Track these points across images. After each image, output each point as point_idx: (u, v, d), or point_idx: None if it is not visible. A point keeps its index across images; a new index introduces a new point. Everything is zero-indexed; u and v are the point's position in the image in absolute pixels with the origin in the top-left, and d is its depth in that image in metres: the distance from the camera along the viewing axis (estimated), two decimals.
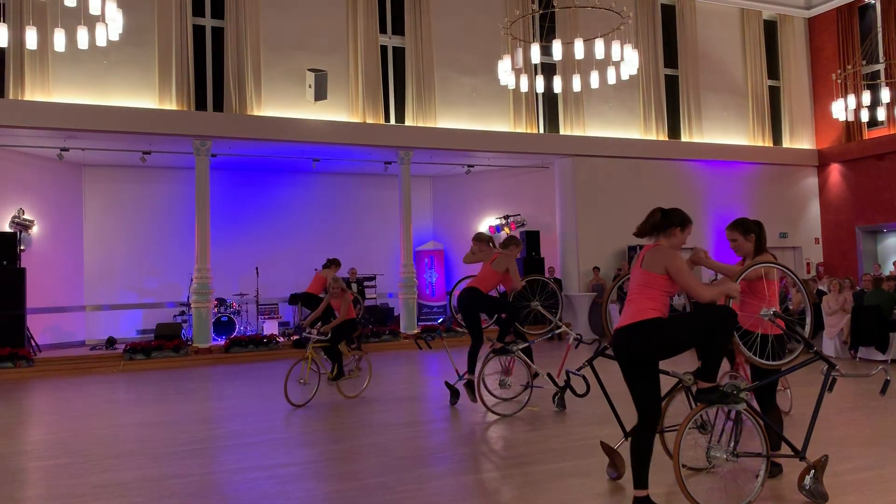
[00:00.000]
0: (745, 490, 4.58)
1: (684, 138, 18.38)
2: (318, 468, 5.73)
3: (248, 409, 8.59)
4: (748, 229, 5.15)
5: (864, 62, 17.83)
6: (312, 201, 17.50)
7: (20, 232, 13.55)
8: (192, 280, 14.24)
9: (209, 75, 14.87)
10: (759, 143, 19.25)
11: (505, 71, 12.56)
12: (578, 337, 8.02)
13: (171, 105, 14.07)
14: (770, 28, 20.03)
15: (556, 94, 16.57)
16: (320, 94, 14.58)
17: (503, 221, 17.70)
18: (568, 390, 7.74)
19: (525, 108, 16.85)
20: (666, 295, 4.38)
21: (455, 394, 8.36)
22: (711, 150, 18.32)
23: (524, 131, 16.81)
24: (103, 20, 10.03)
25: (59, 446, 6.80)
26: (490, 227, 17.89)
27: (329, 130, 14.89)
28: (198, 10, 14.77)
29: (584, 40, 11.91)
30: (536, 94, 16.67)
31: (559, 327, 8.21)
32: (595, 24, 13.34)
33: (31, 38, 10.43)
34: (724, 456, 4.41)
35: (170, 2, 14.14)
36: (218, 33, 14.90)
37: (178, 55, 14.16)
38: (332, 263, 11.54)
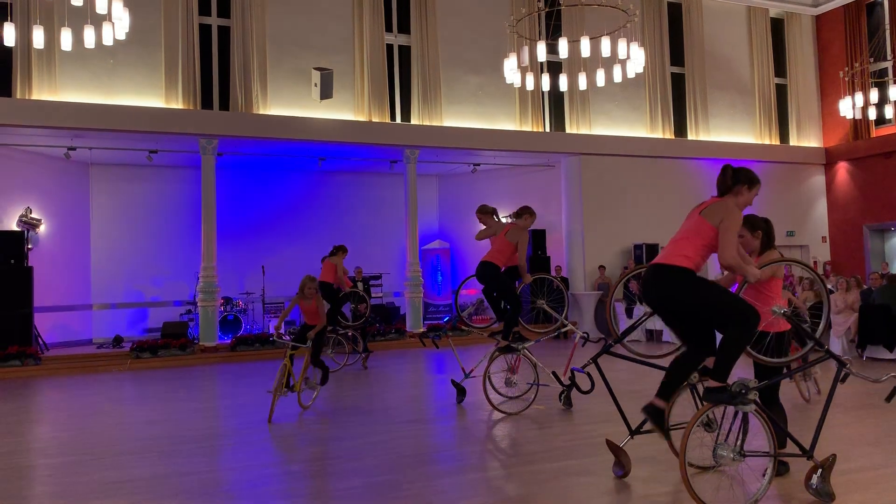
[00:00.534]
0: (752, 489, 4.56)
1: (691, 136, 18.33)
2: (323, 466, 5.73)
3: (254, 407, 8.60)
4: (755, 226, 5.14)
5: (871, 60, 17.75)
6: (318, 200, 17.52)
7: (27, 230, 13.61)
8: (198, 279, 14.28)
9: (215, 74, 14.89)
10: (766, 142, 19.19)
11: (511, 69, 12.55)
12: (585, 336, 8.02)
13: (177, 104, 14.10)
14: (777, 26, 19.95)
15: (563, 93, 16.54)
16: (326, 93, 14.59)
17: (509, 220, 17.65)
18: (573, 388, 7.73)
19: (531, 106, 16.83)
20: (707, 250, 4.37)
21: (461, 392, 8.35)
22: (718, 149, 18.26)
23: (530, 130, 16.80)
24: (110, 19, 10.08)
25: (67, 444, 6.83)
26: None
27: (335, 129, 14.90)
28: (204, 10, 14.79)
29: (591, 38, 11.89)
30: (542, 92, 16.62)
31: (565, 325, 8.20)
32: (601, 23, 13.31)
33: (38, 38, 10.49)
34: (731, 455, 4.39)
35: (176, 1, 14.18)
36: (224, 32, 14.93)
37: (185, 54, 14.19)
38: (339, 250, 11.45)
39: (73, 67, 13.46)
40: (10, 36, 10.30)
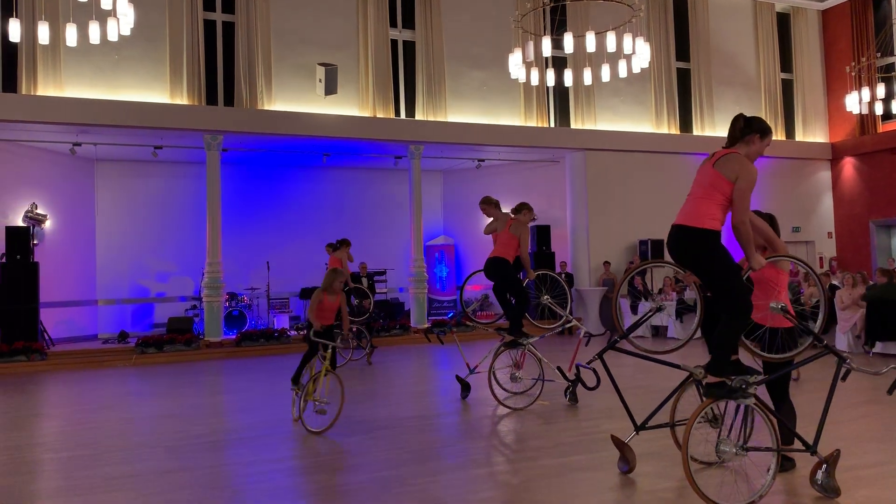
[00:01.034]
0: (756, 484, 4.56)
1: (696, 132, 18.28)
2: (329, 461, 5.74)
3: (260, 403, 8.63)
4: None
5: (878, 55, 17.65)
6: (323, 196, 17.53)
7: (33, 226, 13.64)
8: (203, 274, 14.30)
9: (220, 70, 14.89)
10: (773, 137, 19.09)
11: (516, 64, 12.53)
12: (589, 333, 8.02)
13: (182, 100, 14.12)
14: (783, 20, 19.86)
15: (567, 88, 16.49)
16: (330, 89, 14.58)
17: (510, 216, 17.63)
18: (579, 384, 7.73)
19: (536, 101, 16.79)
20: (727, 204, 4.33)
21: (466, 387, 8.36)
22: (723, 144, 18.18)
23: (535, 125, 16.77)
24: (115, 15, 10.07)
25: (73, 439, 6.86)
26: None
27: (339, 125, 14.90)
28: (208, 5, 14.79)
29: (596, 33, 11.86)
30: (547, 87, 16.60)
31: (570, 321, 8.19)
32: (606, 17, 13.30)
33: (43, 33, 10.49)
34: (734, 450, 4.38)
35: None
36: (228, 28, 14.93)
37: (189, 50, 14.20)
38: (343, 244, 11.50)
39: (77, 63, 13.48)
40: (15, 32, 10.32)
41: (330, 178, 17.58)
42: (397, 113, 16.02)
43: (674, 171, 17.54)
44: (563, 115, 17.47)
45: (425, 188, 16.85)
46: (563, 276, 13.68)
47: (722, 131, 18.48)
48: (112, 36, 10.31)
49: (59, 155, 14.71)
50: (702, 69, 18.43)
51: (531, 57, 12.49)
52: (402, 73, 16.31)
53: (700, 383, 5.05)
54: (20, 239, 12.92)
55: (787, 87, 19.67)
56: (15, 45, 12.70)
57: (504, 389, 8.08)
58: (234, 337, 14.14)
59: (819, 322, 4.89)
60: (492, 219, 8.47)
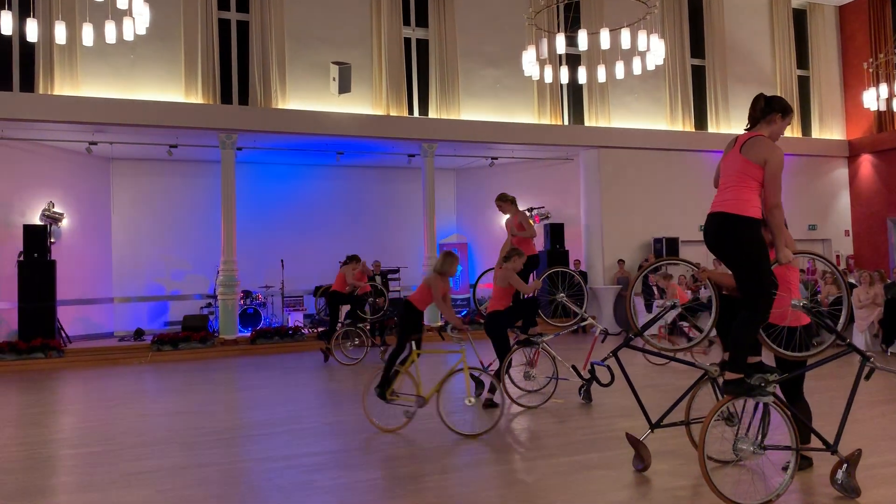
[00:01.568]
0: (774, 483, 4.52)
1: (711, 129, 18.16)
2: (343, 458, 5.75)
3: (275, 400, 8.66)
4: None
5: None
6: (336, 194, 17.56)
7: (50, 225, 13.76)
8: (218, 272, 14.38)
9: (234, 69, 14.96)
10: (788, 134, 18.92)
11: (529, 62, 12.49)
12: (605, 331, 7.98)
13: (196, 99, 14.19)
14: (799, 17, 19.69)
15: (581, 85, 16.44)
16: (344, 87, 14.60)
17: (527, 214, 17.60)
18: (593, 382, 7.70)
19: (550, 99, 16.74)
20: (761, 190, 4.28)
21: (479, 384, 8.34)
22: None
23: (549, 123, 16.71)
24: (130, 14, 10.15)
25: (90, 435, 6.91)
26: None
27: (353, 123, 14.92)
28: (223, 4, 14.86)
29: (610, 30, 11.80)
30: (561, 85, 16.54)
31: (585, 319, 8.17)
32: (620, 14, 13.21)
33: (60, 33, 10.58)
34: (751, 448, 4.35)
35: None
36: (243, 27, 14.99)
37: (204, 49, 14.27)
38: (352, 260, 11.84)
39: (94, 62, 13.58)
40: (32, 31, 10.40)
41: (343, 177, 17.61)
42: (411, 111, 16.03)
43: (689, 169, 17.44)
44: (577, 112, 17.41)
45: (438, 186, 16.85)
46: (578, 273, 13.63)
47: (737, 128, 18.34)
48: (128, 35, 10.38)
49: (76, 154, 14.82)
50: (717, 66, 18.30)
51: (545, 54, 12.45)
52: (416, 71, 16.31)
53: (715, 381, 5.03)
54: (38, 237, 13.04)
55: (804, 83, 19.50)
56: (32, 45, 12.81)
57: (518, 387, 8.06)
58: (248, 335, 14.20)
59: (841, 320, 4.84)
60: (507, 216, 8.46)
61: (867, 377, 4.55)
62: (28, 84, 13.30)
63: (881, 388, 8.17)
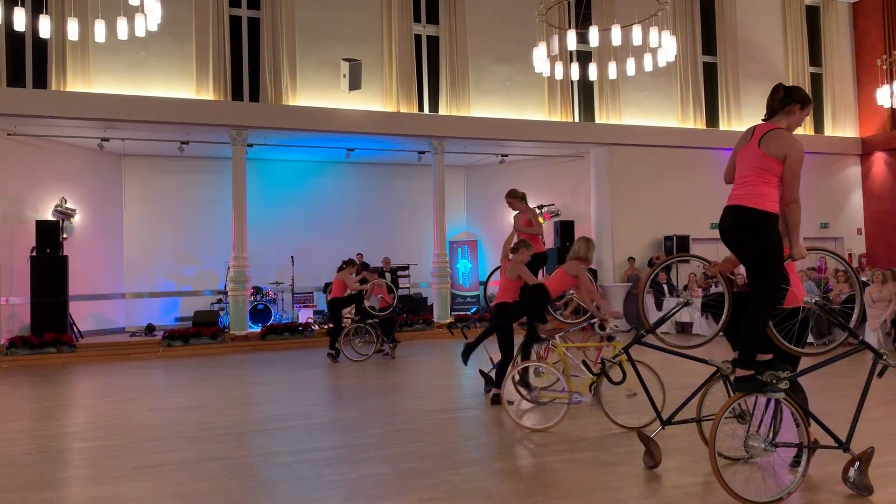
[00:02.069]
0: (785, 480, 4.49)
1: (723, 127, 18.07)
2: (352, 453, 5.76)
3: (284, 395, 8.69)
4: None
5: None
6: (347, 191, 17.60)
7: (63, 220, 13.85)
8: (229, 268, 14.43)
9: (245, 66, 15.01)
10: (800, 132, 18.82)
11: (540, 58, 12.46)
12: (615, 327, 7.94)
13: (208, 95, 14.24)
14: (812, 13, 19.56)
15: (592, 83, 16.39)
16: (354, 84, 14.62)
17: (537, 211, 17.58)
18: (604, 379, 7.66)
19: (560, 96, 16.70)
20: (779, 184, 4.22)
21: (489, 381, 8.33)
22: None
23: (559, 120, 16.68)
24: (142, 11, 10.19)
25: (101, 428, 6.95)
26: None
27: (363, 120, 14.94)
28: (234, 1, 14.91)
29: (622, 26, 11.76)
30: (572, 81, 16.50)
31: (595, 316, 8.12)
32: (632, 10, 13.17)
33: (72, 30, 10.64)
34: (763, 446, 4.32)
35: None
36: (254, 24, 15.03)
37: (215, 46, 14.31)
38: (348, 264, 11.87)
39: (106, 59, 13.65)
40: (45, 28, 10.46)
41: (354, 174, 17.64)
42: (421, 108, 16.03)
43: (700, 167, 17.35)
44: (587, 109, 17.36)
45: (448, 183, 16.85)
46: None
47: (749, 126, 18.24)
48: (140, 32, 10.43)
49: (88, 150, 14.91)
50: (729, 63, 18.20)
51: (556, 51, 12.42)
52: (426, 68, 16.31)
53: (728, 378, 4.99)
54: (50, 233, 13.13)
55: (816, 80, 19.37)
56: (45, 42, 12.89)
57: (526, 399, 8.03)
58: (259, 330, 14.25)
59: (854, 317, 4.80)
60: (517, 212, 8.46)
61: (880, 374, 4.51)
62: (41, 80, 13.38)
63: (892, 386, 8.11)
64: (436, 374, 10.44)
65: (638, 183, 16.96)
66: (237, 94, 14.81)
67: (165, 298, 16.20)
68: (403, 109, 15.50)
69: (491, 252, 18.19)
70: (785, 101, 4.34)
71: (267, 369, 11.11)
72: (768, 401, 4.40)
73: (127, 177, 16.08)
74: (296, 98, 14.84)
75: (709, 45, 18.27)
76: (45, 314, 12.85)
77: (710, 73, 18.27)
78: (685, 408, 5.11)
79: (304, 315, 15.53)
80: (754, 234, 4.17)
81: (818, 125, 19.33)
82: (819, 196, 18.51)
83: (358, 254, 15.44)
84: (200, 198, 16.47)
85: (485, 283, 9.13)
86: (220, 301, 15.51)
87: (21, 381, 10.40)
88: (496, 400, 7.58)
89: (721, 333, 5.03)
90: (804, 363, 4.86)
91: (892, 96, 15.00)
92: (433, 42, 16.36)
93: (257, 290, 15.42)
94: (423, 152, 16.28)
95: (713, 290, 13.81)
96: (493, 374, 8.35)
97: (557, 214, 17.18)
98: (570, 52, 13.30)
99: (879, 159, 18.99)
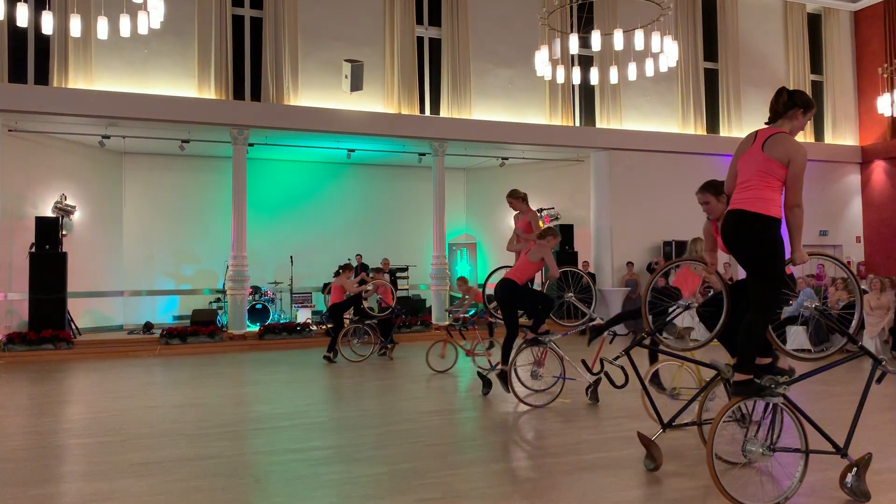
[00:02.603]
0: (783, 485, 4.49)
1: (723, 133, 18.09)
2: (349, 452, 5.75)
3: (281, 394, 8.68)
4: (719, 190, 5.04)
5: None
6: (347, 192, 17.60)
7: (62, 217, 13.84)
8: (228, 267, 14.42)
9: (247, 65, 15.02)
10: (800, 139, 18.78)
11: (542, 62, 12.48)
12: (613, 331, 7.94)
13: (209, 94, 14.24)
14: (814, 21, 19.60)
15: (593, 87, 16.41)
16: (356, 85, 14.63)
17: (538, 214, 17.58)
18: (605, 381, 7.67)
19: (561, 100, 16.72)
20: (782, 188, 4.21)
21: (487, 383, 8.34)
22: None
23: (560, 124, 16.69)
24: (145, 9, 10.20)
25: (97, 425, 6.93)
26: None
27: (364, 121, 14.94)
28: (237, 1, 14.92)
29: (624, 31, 11.78)
30: (573, 86, 16.52)
31: (593, 320, 8.14)
32: (634, 16, 13.19)
33: (74, 26, 10.65)
34: (761, 450, 4.32)
35: None
36: (256, 23, 15.04)
37: (218, 45, 14.32)
38: (345, 269, 11.86)
39: (108, 56, 13.65)
40: (47, 24, 10.47)
41: (354, 175, 17.64)
42: (422, 110, 16.04)
43: (700, 173, 17.22)
44: (588, 114, 17.37)
45: (449, 186, 16.85)
46: (587, 273, 13.60)
47: (750, 131, 18.25)
48: (142, 30, 10.45)
49: (89, 147, 14.91)
50: (730, 69, 18.23)
51: (557, 55, 12.43)
52: (428, 70, 16.32)
53: (728, 382, 4.99)
54: (49, 229, 13.12)
55: (817, 88, 19.39)
56: (47, 38, 12.90)
57: (525, 387, 8.05)
58: (257, 330, 14.23)
59: (854, 323, 4.80)
60: (515, 212, 8.46)
61: (879, 381, 4.50)
62: (42, 77, 13.38)
63: (891, 393, 8.11)
64: (433, 375, 10.43)
65: (637, 188, 16.97)
66: (238, 94, 14.81)
67: (164, 297, 16.19)
68: (405, 111, 15.51)
69: (490, 254, 18.19)
70: (788, 104, 4.34)
71: (264, 369, 11.09)
72: (766, 405, 4.40)
73: (127, 174, 16.08)
74: (297, 98, 14.84)
75: (710, 51, 18.30)
76: (43, 311, 12.83)
77: (711, 79, 18.30)
78: (685, 411, 5.11)
79: (303, 315, 15.51)
80: (757, 238, 4.17)
81: (818, 133, 19.36)
82: (819, 204, 18.51)
83: (357, 255, 15.46)
84: (200, 197, 16.46)
85: (483, 286, 9.11)
86: (218, 300, 15.50)
87: (18, 378, 10.38)
88: (503, 376, 7.60)
89: (717, 340, 5.03)
90: (799, 368, 4.86)
91: (892, 105, 15.03)
92: (435, 44, 16.38)
93: (256, 290, 15.40)
94: (423, 154, 16.29)
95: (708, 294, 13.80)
96: (490, 377, 8.36)
97: (557, 218, 17.19)
98: (572, 56, 13.33)
99: (879, 168, 19.01)
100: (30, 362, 12.01)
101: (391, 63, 15.61)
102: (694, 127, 17.78)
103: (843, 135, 19.47)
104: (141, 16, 10.33)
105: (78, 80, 13.35)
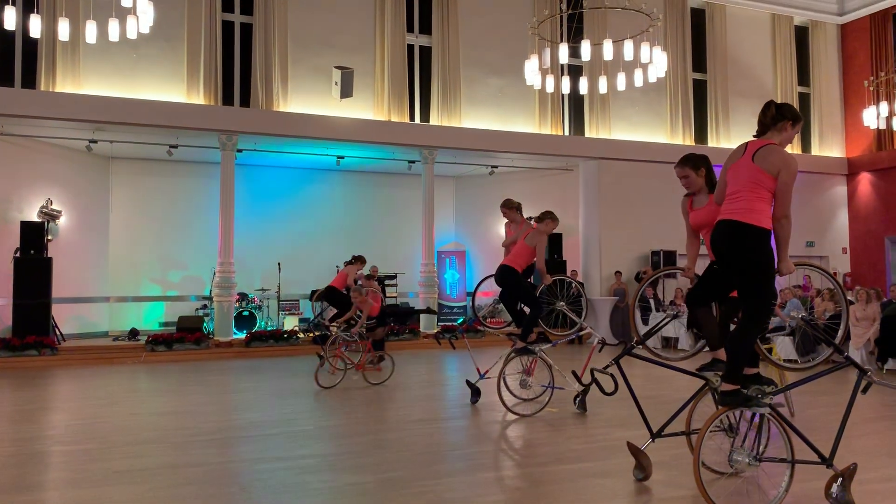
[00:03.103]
0: (770, 495, 4.49)
1: (711, 144, 18.19)
2: (336, 461, 5.72)
3: (268, 402, 8.62)
4: (698, 164, 5.10)
5: None
6: (336, 199, 17.54)
7: (48, 222, 13.73)
8: (214, 274, 14.34)
9: (237, 71, 14.98)
10: (787, 150, 18.97)
11: (532, 71, 12.52)
12: (603, 340, 7.95)
13: (198, 99, 14.19)
14: (801, 34, 19.79)
15: (583, 96, 16.48)
16: (346, 92, 14.62)
17: (533, 223, 17.60)
18: (593, 390, 7.66)
19: (551, 109, 16.78)
20: (772, 200, 4.23)
21: (476, 392, 8.31)
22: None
23: (549, 133, 16.74)
24: (134, 13, 10.16)
25: (81, 432, 6.86)
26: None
27: (354, 128, 14.93)
28: (227, 6, 14.89)
29: (613, 41, 11.84)
30: (562, 95, 16.59)
31: (583, 329, 8.14)
32: (623, 26, 13.26)
33: (63, 30, 10.59)
34: (747, 460, 4.32)
35: None
36: (246, 29, 15.02)
37: (207, 50, 14.28)
38: (357, 260, 11.83)
39: (96, 61, 13.58)
40: (35, 27, 10.41)
41: (343, 182, 17.60)
42: (412, 118, 16.04)
43: None
44: (577, 123, 17.44)
45: (438, 193, 16.84)
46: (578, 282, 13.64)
47: (737, 143, 18.34)
48: (131, 34, 10.40)
49: (76, 152, 14.81)
50: (718, 80, 18.37)
51: (547, 64, 12.48)
52: (418, 77, 16.34)
53: (716, 391, 5.00)
54: (35, 234, 13.01)
55: (804, 100, 19.56)
56: (35, 41, 12.81)
57: (513, 395, 8.03)
58: (243, 337, 14.15)
59: (840, 333, 4.83)
60: (508, 221, 8.43)
61: (864, 391, 4.53)
62: (30, 80, 13.30)
63: (875, 404, 8.16)
64: (421, 384, 10.39)
65: (626, 197, 17.03)
66: (228, 99, 14.77)
67: (150, 303, 16.06)
68: (394, 118, 15.51)
69: (479, 263, 18.18)
70: (777, 117, 4.38)
71: (251, 376, 11.02)
72: (753, 415, 4.41)
73: (114, 179, 15.98)
74: (286, 104, 14.82)
75: (699, 63, 18.43)
76: (27, 316, 12.70)
77: (700, 89, 18.43)
78: (674, 420, 5.11)
79: (290, 323, 15.44)
80: (748, 249, 4.19)
81: (805, 144, 19.52)
82: (805, 215, 18.64)
83: (373, 267, 15.12)
84: (188, 202, 16.37)
85: (473, 294, 9.10)
86: (205, 307, 15.40)
87: (1, 384, 10.26)
88: (523, 350, 7.58)
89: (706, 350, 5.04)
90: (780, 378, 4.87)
91: (878, 117, 15.16)
92: (426, 52, 16.40)
93: (243, 297, 15.32)
94: (413, 162, 16.29)
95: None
96: (479, 385, 8.34)
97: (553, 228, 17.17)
98: (562, 65, 13.35)
99: (865, 179, 19.18)
100: (13, 368, 11.88)
101: (381, 70, 15.62)
102: (682, 137, 17.88)
103: (829, 146, 19.64)
104: (130, 20, 10.28)
105: (66, 84, 13.27)
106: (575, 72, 15.60)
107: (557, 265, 16.39)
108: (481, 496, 4.78)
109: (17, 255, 12.91)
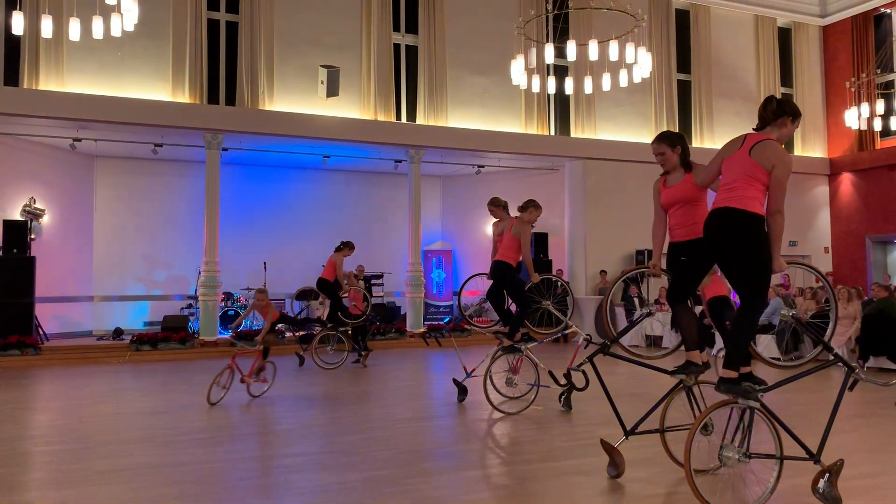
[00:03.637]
0: (755, 492, 4.53)
1: (696, 144, 18.31)
2: (322, 459, 5.71)
3: (253, 401, 8.59)
4: (674, 142, 5.14)
5: (878, 71, 17.74)
6: (322, 198, 17.50)
7: (31, 220, 13.61)
8: (200, 273, 14.27)
9: (222, 69, 14.91)
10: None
11: (518, 71, 12.54)
12: (588, 337, 7.97)
13: (183, 98, 14.11)
14: (784, 35, 19.96)
15: (568, 96, 16.52)
16: (332, 91, 14.59)
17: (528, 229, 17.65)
18: (573, 389, 7.71)
19: (537, 109, 16.83)
20: (766, 193, 4.27)
21: (463, 390, 8.33)
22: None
23: (535, 133, 16.79)
24: (119, 10, 10.09)
25: (64, 432, 6.81)
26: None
27: (340, 127, 14.90)
28: (212, 5, 14.81)
29: (598, 42, 11.89)
30: (548, 95, 16.63)
31: (568, 327, 8.17)
32: (609, 27, 13.31)
33: (46, 27, 10.50)
34: (737, 456, 4.33)
35: None
36: (232, 28, 14.95)
37: (192, 48, 14.20)
38: (346, 246, 11.85)
39: (80, 58, 13.47)
40: (18, 25, 10.31)
41: (329, 181, 17.56)
42: (398, 117, 16.03)
43: None
44: (563, 123, 17.50)
45: (424, 193, 16.84)
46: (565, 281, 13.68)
47: (721, 143, 18.45)
48: (115, 32, 10.32)
49: (59, 150, 14.68)
50: (702, 81, 18.50)
51: (533, 64, 12.51)
52: (404, 77, 16.34)
53: (691, 390, 5.04)
54: (18, 233, 12.90)
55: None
56: (18, 39, 12.69)
57: (500, 394, 8.05)
58: (228, 336, 14.07)
59: (829, 331, 4.87)
60: (496, 220, 8.44)
61: (851, 388, 4.58)
62: (13, 78, 13.17)
63: (858, 401, 8.25)
64: (408, 382, 10.40)
65: (611, 197, 17.10)
66: (213, 98, 14.70)
67: (134, 302, 15.97)
68: (381, 117, 15.50)
69: (465, 262, 18.21)
70: (778, 112, 4.41)
71: (235, 375, 10.95)
72: (743, 410, 4.41)
73: (99, 178, 15.86)
74: (272, 103, 14.77)
75: (683, 63, 18.55)
76: (9, 316, 12.58)
77: (684, 90, 18.54)
78: (649, 418, 5.14)
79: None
80: (744, 234, 4.22)
81: (788, 145, 19.68)
82: (788, 214, 18.35)
83: (360, 266, 15.11)
84: (173, 201, 16.28)
85: (459, 293, 9.11)
86: (190, 306, 15.32)
87: None
88: (509, 349, 7.60)
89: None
90: (774, 375, 4.92)
91: (859, 118, 15.33)
92: (412, 52, 16.40)
93: (228, 296, 15.25)
94: (399, 161, 16.28)
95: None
96: (466, 384, 8.35)
97: (531, 227, 17.22)
98: (548, 65, 13.43)
99: (846, 180, 19.38)
100: None
101: (367, 69, 15.60)
102: None
103: (811, 147, 19.83)
104: (114, 18, 10.20)
105: (49, 82, 13.15)
106: (560, 72, 15.65)
107: (543, 264, 16.45)
108: (468, 494, 4.80)
109: (0, 253, 12.78)
